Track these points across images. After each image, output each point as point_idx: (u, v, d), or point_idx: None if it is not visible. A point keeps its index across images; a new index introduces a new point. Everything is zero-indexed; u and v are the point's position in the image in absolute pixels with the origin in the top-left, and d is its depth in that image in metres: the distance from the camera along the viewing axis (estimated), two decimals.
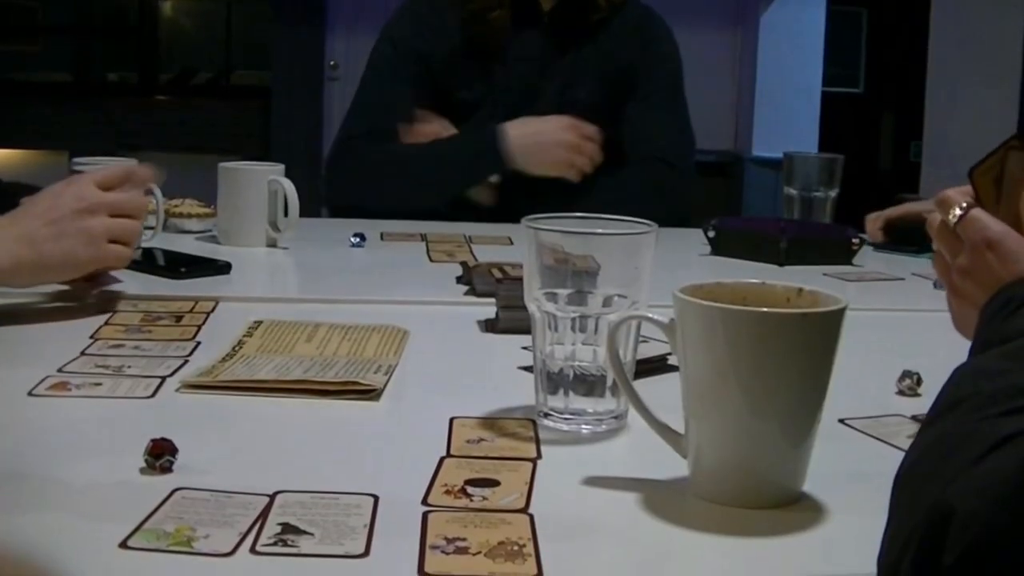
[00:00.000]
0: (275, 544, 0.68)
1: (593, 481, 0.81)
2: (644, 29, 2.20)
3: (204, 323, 1.23)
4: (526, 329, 0.96)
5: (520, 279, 0.94)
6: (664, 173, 2.09)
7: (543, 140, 2.01)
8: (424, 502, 0.76)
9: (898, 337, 1.34)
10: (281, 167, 1.75)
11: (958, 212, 0.93)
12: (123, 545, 0.68)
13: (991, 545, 0.52)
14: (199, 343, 1.15)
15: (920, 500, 0.56)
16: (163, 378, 1.02)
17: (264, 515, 0.72)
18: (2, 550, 0.67)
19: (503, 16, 2.10)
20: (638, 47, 2.16)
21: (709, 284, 0.80)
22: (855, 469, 0.86)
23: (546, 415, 0.93)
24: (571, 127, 2.01)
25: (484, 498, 0.77)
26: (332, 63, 5.68)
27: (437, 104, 2.13)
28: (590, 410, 0.92)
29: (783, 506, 0.77)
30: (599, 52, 2.14)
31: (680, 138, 2.18)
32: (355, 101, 2.21)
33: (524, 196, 1.94)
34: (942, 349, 1.26)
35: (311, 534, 0.70)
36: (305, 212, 1.72)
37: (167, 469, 0.79)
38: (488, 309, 1.28)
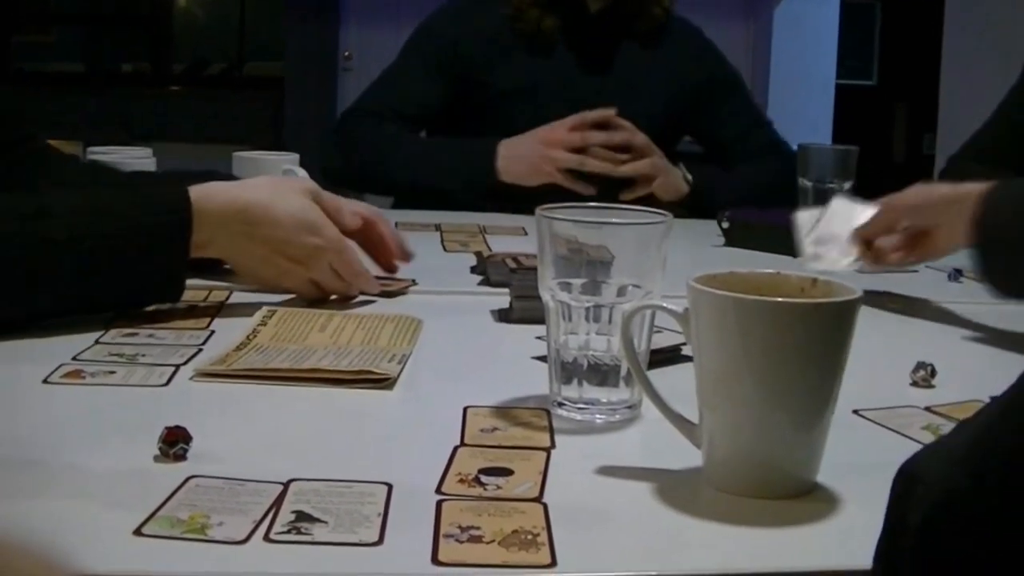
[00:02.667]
0: (289, 532, 0.69)
1: (607, 470, 0.81)
2: (707, 51, 2.30)
3: (218, 312, 1.24)
4: (540, 319, 0.96)
5: (534, 269, 0.94)
6: (784, 160, 2.07)
7: (522, 154, 2.02)
8: (438, 491, 0.76)
9: (912, 328, 1.33)
10: (295, 156, 1.75)
11: None
12: (137, 532, 0.68)
13: (951, 505, 0.52)
14: (213, 332, 1.15)
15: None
16: (177, 366, 1.02)
17: (278, 503, 0.72)
18: (17, 536, 0.67)
19: (546, 16, 2.13)
20: (704, 72, 2.25)
21: (723, 274, 0.80)
22: (869, 460, 0.85)
23: (560, 404, 0.93)
24: (548, 141, 2.01)
25: (498, 487, 0.77)
26: (346, 54, 5.67)
27: (472, 96, 2.16)
28: (604, 400, 0.92)
29: (796, 496, 0.77)
30: (659, 68, 2.20)
31: (776, 131, 2.33)
32: (378, 78, 2.25)
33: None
34: (957, 341, 1.26)
35: (325, 522, 0.70)
36: None
37: (181, 457, 0.79)
38: (502, 299, 1.28)
